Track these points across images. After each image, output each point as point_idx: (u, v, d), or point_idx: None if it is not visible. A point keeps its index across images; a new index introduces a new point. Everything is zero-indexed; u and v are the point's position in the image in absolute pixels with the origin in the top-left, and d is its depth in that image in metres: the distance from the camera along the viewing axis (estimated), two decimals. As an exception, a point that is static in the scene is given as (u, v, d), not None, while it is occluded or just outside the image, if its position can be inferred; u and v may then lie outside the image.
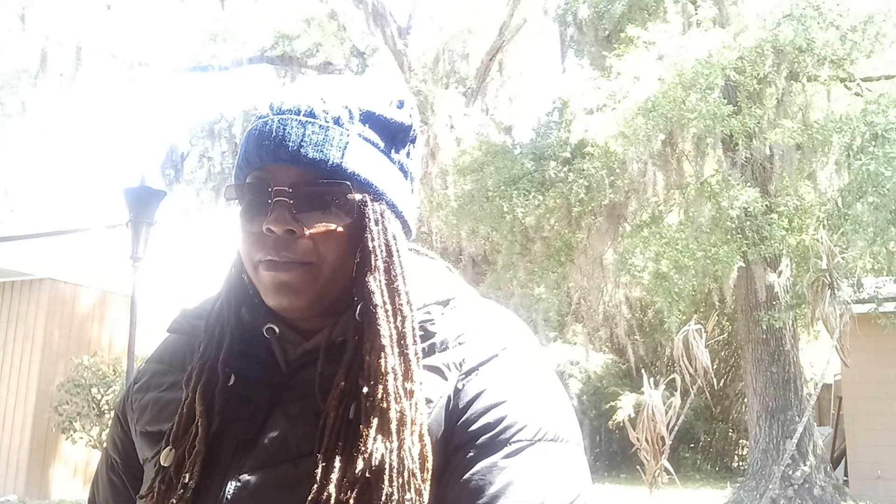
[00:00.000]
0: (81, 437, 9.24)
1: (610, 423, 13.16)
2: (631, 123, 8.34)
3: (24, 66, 13.89)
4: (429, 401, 0.82)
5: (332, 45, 16.48)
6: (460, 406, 0.82)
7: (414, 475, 0.77)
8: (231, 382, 0.87)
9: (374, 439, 0.77)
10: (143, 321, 7.84)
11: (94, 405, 9.11)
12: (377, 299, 0.82)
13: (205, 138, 17.08)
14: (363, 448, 0.77)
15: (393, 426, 0.78)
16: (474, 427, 0.81)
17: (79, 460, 9.91)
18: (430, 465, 0.78)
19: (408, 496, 0.76)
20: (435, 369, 0.84)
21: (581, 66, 10.95)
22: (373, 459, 0.76)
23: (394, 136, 0.89)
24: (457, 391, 0.83)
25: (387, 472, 0.76)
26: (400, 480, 0.76)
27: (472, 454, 0.80)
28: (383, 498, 0.75)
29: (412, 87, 13.70)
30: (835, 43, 8.46)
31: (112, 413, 1.09)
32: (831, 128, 8.24)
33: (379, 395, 0.79)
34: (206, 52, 17.25)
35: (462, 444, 0.81)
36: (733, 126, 8.45)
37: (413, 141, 0.92)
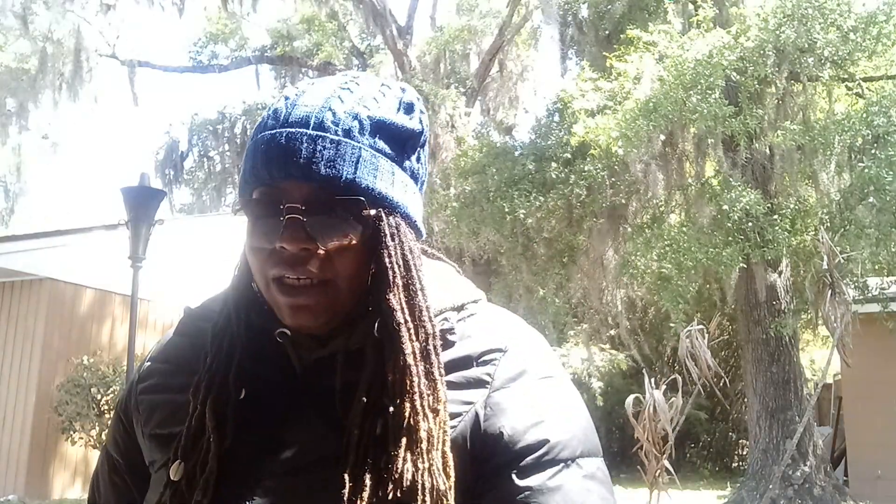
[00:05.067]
0: (81, 438, 9.23)
1: (621, 423, 13.16)
2: (632, 125, 8.34)
3: (24, 66, 13.88)
4: (456, 415, 0.82)
5: (332, 46, 16.49)
6: (495, 426, 0.82)
7: (444, 495, 0.77)
8: (242, 396, 0.86)
9: (405, 459, 0.77)
10: (143, 321, 7.83)
11: (94, 405, 9.10)
12: (399, 317, 0.80)
13: (205, 138, 17.08)
14: (394, 468, 0.76)
15: (423, 445, 0.77)
16: (516, 448, 0.81)
17: (79, 460, 9.90)
18: (453, 481, 0.78)
19: None
20: (460, 384, 0.84)
21: (582, 66, 10.96)
22: (404, 480, 0.76)
23: (404, 143, 0.87)
24: (487, 407, 0.83)
25: (419, 492, 0.76)
26: (430, 499, 0.76)
27: (515, 475, 0.80)
28: None
29: (413, 87, 13.70)
30: (836, 43, 8.46)
31: (113, 413, 1.07)
32: (833, 129, 8.24)
33: (406, 414, 0.78)
34: (206, 52, 17.26)
35: (503, 464, 0.81)
36: (734, 126, 8.45)
37: (423, 145, 0.91)
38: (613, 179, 9.75)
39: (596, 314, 12.35)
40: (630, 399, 4.46)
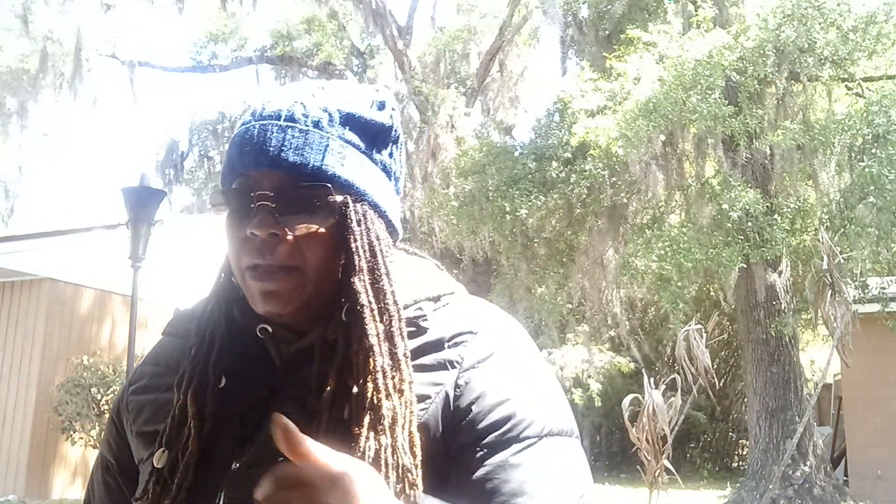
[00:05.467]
0: (81, 438, 9.24)
1: (621, 422, 13.13)
2: (632, 125, 8.34)
3: (24, 66, 13.88)
4: (426, 397, 0.83)
5: (332, 46, 16.49)
6: (462, 405, 0.83)
7: (409, 471, 0.78)
8: (222, 384, 0.88)
9: (367, 437, 0.78)
10: (143, 321, 7.83)
11: (94, 405, 9.11)
12: (363, 299, 0.82)
13: (205, 138, 17.08)
14: (357, 447, 0.77)
15: (386, 423, 0.78)
16: (481, 426, 0.82)
17: (79, 460, 9.90)
18: (419, 459, 0.79)
19: (404, 491, 0.77)
20: (431, 367, 0.85)
21: (582, 66, 10.96)
22: (366, 458, 0.76)
23: (375, 136, 0.90)
24: (456, 387, 0.84)
25: (382, 469, 0.76)
26: (395, 476, 0.77)
27: (481, 454, 0.81)
28: None
29: (413, 87, 13.70)
30: (836, 43, 8.46)
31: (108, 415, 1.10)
32: (833, 129, 8.24)
33: (369, 394, 0.79)
34: (206, 52, 17.26)
35: (469, 443, 0.82)
36: (734, 126, 8.45)
37: (395, 142, 0.93)
38: (614, 179, 9.74)
39: (596, 314, 12.35)
40: (627, 399, 4.46)
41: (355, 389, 0.80)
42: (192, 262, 9.96)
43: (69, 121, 22.38)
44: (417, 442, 0.79)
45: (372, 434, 0.78)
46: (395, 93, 14.62)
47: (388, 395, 0.79)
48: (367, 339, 0.81)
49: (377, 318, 0.82)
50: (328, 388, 0.81)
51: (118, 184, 7.65)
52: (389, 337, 0.82)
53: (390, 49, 14.73)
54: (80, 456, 9.85)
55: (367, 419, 0.78)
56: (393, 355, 0.81)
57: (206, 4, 15.59)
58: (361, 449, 0.77)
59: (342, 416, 0.80)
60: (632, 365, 13.62)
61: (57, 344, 9.85)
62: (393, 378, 0.80)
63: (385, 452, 0.77)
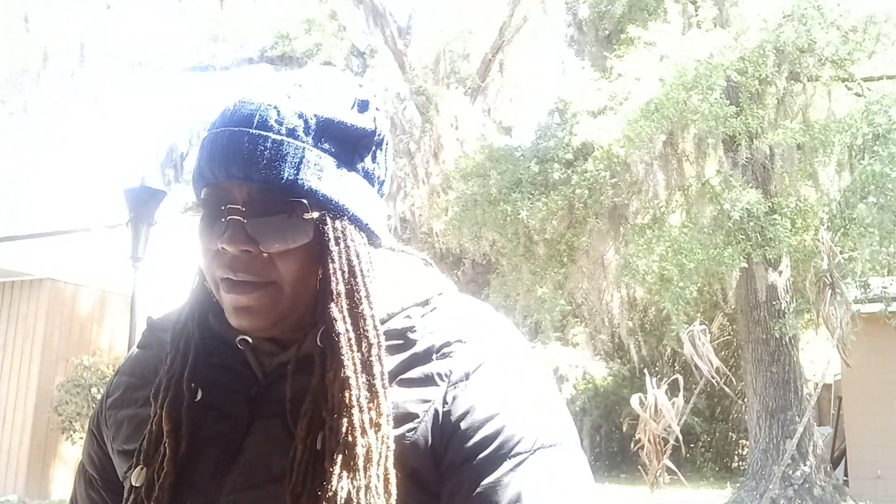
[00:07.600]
0: (81, 438, 9.24)
1: (621, 423, 13.14)
2: (634, 125, 8.34)
3: (25, 65, 13.88)
4: (414, 416, 0.80)
5: (332, 46, 16.48)
6: (452, 420, 0.79)
7: None
8: (198, 398, 0.84)
9: (339, 477, 0.74)
10: (142, 321, 7.84)
11: (94, 405, 9.09)
12: (339, 327, 0.78)
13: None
14: (328, 486, 0.74)
15: (360, 462, 0.74)
16: (471, 443, 0.79)
17: (78, 460, 9.90)
18: (394, 499, 0.76)
19: None
20: (418, 381, 0.81)
21: (582, 66, 10.96)
22: (338, 499, 0.73)
23: (356, 143, 0.83)
24: (445, 403, 0.80)
25: None
26: None
27: (473, 472, 0.78)
28: None
29: (416, 87, 13.69)
30: (836, 43, 8.46)
31: (87, 429, 1.07)
32: (833, 128, 8.24)
33: (343, 430, 0.75)
34: (206, 52, 17.25)
35: (459, 461, 0.79)
36: (735, 126, 8.45)
37: (379, 145, 0.87)
38: (614, 179, 9.74)
39: (596, 314, 12.34)
40: (635, 398, 4.46)
41: (329, 423, 0.76)
42: (192, 262, 9.95)
43: (70, 121, 22.36)
44: (393, 480, 0.76)
45: (345, 473, 0.74)
46: (396, 93, 14.61)
47: (363, 432, 0.75)
48: (342, 369, 0.77)
49: (354, 347, 0.78)
50: (307, 417, 0.78)
51: (118, 184, 7.66)
52: (367, 367, 0.78)
53: (390, 49, 14.72)
54: (79, 456, 9.84)
55: (340, 457, 0.75)
56: (371, 387, 0.77)
57: (206, 4, 15.59)
58: (333, 490, 0.73)
59: (316, 448, 0.76)
60: (633, 365, 13.60)
61: (57, 344, 9.85)
62: (370, 412, 0.76)
63: (357, 494, 0.73)
